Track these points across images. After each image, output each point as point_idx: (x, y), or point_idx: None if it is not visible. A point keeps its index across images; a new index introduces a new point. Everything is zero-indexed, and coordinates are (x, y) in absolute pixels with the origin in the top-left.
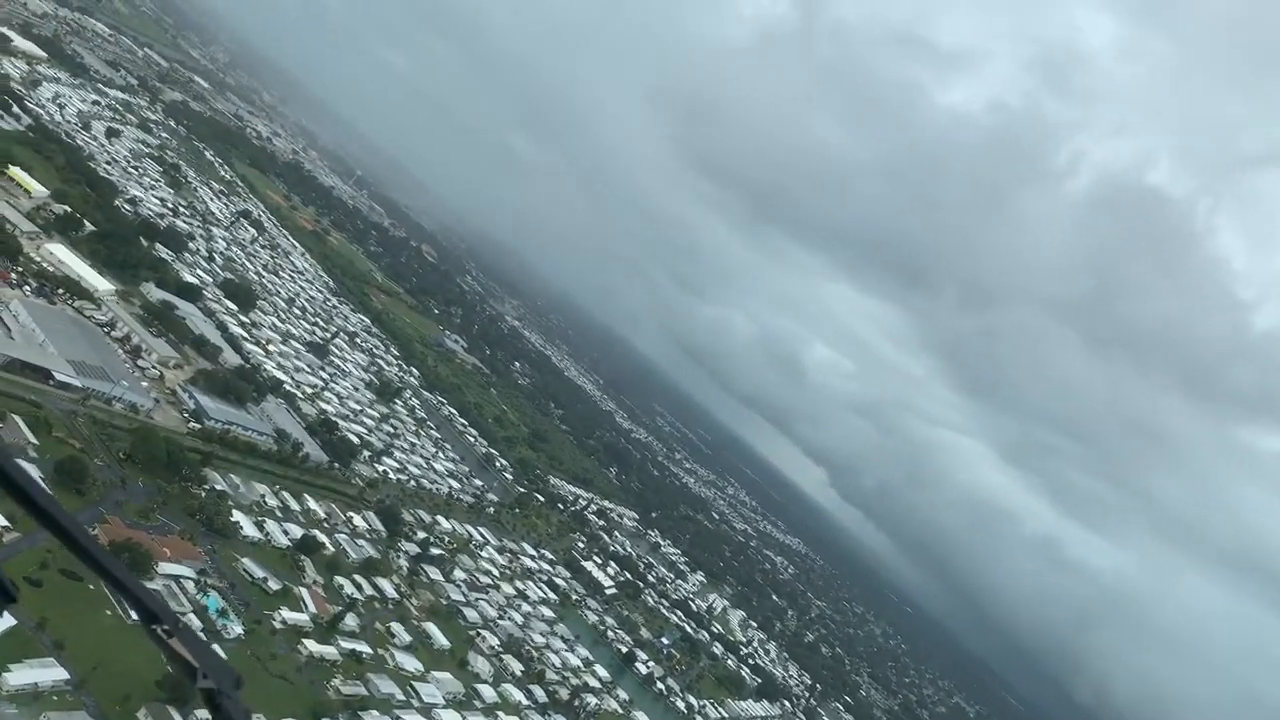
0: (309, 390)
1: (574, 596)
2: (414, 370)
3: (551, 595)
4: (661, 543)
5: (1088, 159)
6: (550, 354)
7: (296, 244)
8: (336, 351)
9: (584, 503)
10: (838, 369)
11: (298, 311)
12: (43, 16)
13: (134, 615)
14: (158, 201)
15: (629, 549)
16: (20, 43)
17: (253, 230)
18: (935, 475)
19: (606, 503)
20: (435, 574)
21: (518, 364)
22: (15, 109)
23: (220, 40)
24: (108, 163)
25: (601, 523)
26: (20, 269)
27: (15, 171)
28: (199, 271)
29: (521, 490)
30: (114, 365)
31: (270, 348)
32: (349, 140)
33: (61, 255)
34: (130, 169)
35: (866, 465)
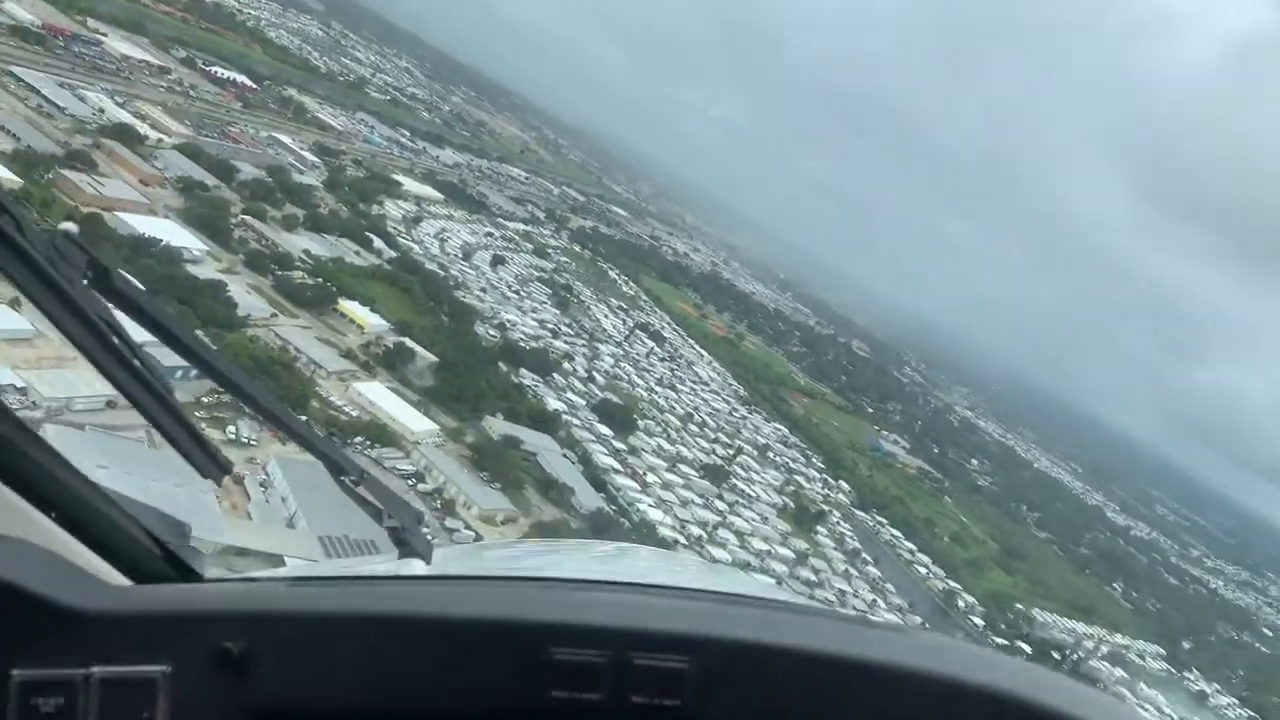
0: (696, 532)
1: None
2: (842, 484)
3: None
4: (1206, 689)
5: None
6: (1013, 444)
7: (703, 352)
8: (740, 472)
9: (1088, 647)
10: None
11: (694, 428)
12: (454, 166)
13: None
14: (535, 324)
15: (1165, 712)
16: (412, 186)
17: (651, 343)
18: None
19: (1117, 637)
20: None
21: (974, 461)
22: (377, 244)
23: (646, 175)
24: (481, 290)
25: (1118, 673)
26: (305, 417)
27: (347, 306)
28: (570, 394)
29: (999, 641)
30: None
31: (649, 478)
32: (774, 248)
33: (373, 395)
34: (511, 294)
35: None
